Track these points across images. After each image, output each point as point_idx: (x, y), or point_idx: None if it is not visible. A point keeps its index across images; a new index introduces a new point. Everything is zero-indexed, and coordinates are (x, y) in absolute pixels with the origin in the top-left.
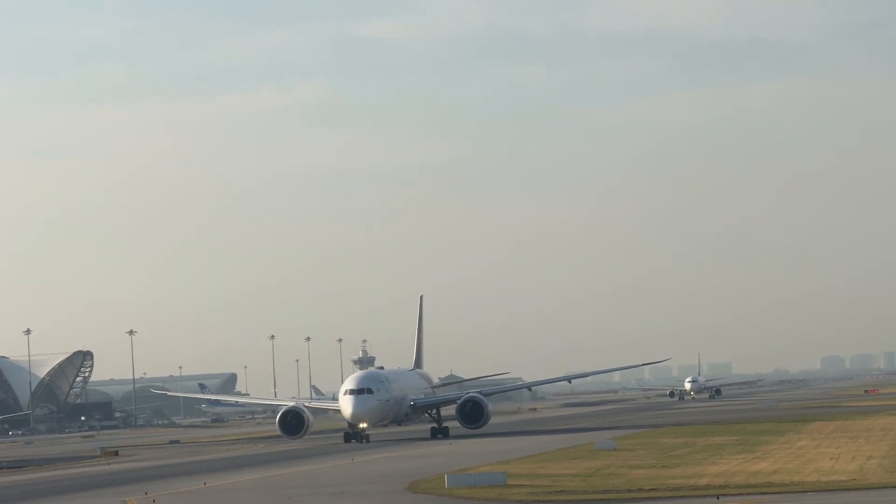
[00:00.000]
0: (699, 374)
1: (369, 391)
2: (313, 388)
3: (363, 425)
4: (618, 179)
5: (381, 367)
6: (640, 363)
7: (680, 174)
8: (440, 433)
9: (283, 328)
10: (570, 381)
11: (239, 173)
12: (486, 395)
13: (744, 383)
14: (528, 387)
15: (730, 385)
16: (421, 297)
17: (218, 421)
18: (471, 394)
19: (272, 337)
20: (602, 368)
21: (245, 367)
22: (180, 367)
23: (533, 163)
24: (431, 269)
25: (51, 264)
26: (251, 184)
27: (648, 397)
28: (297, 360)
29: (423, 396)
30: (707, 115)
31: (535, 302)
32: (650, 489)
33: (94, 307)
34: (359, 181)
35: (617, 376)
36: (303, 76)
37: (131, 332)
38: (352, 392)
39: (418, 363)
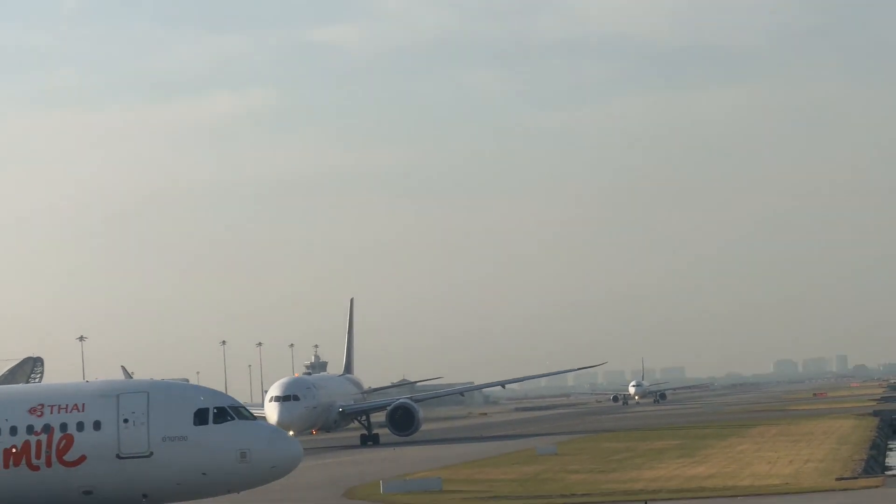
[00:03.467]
0: (643, 378)
1: (295, 398)
2: (266, 393)
3: (290, 433)
4: (569, 185)
5: (309, 373)
6: (576, 368)
7: (633, 179)
8: (370, 440)
9: (235, 334)
10: (503, 386)
11: (191, 178)
12: (417, 401)
13: (691, 387)
14: (461, 392)
15: (678, 389)
16: (351, 301)
17: None
18: (401, 400)
19: (223, 342)
20: (553, 372)
21: (198, 372)
22: (132, 373)
23: (482, 168)
24: (382, 274)
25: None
26: (203, 189)
27: (599, 401)
28: (250, 366)
29: (352, 403)
30: (659, 120)
31: (492, 307)
32: (583, 494)
33: (43, 313)
34: (310, 186)
35: (570, 380)
36: (255, 82)
37: (81, 338)
38: (277, 399)
39: (348, 368)
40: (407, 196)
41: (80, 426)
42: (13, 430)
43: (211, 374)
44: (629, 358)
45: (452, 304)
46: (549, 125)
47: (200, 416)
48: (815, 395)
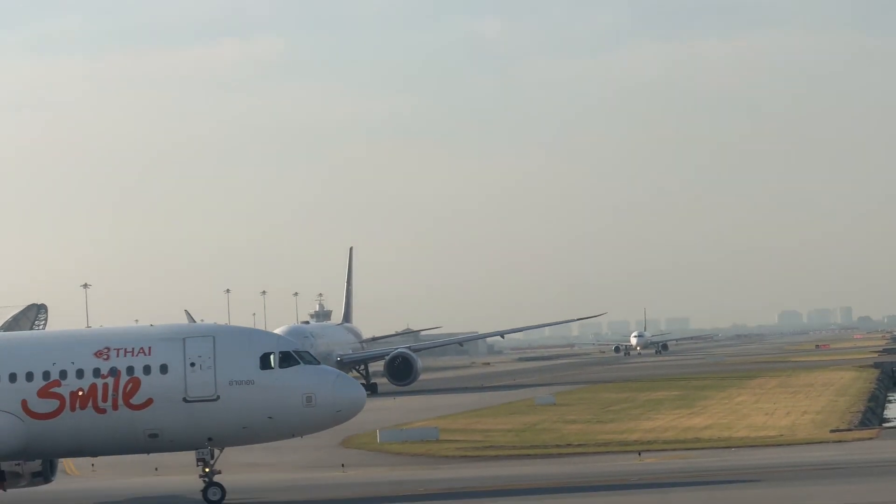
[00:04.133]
0: (645, 329)
1: None
2: None
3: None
4: (575, 134)
5: (307, 322)
6: (575, 318)
7: (641, 127)
8: (368, 390)
9: (239, 282)
10: (502, 336)
11: (195, 126)
12: (416, 350)
13: (693, 338)
14: (459, 342)
15: (681, 340)
16: (350, 250)
17: None
18: (399, 349)
19: (227, 291)
20: (551, 323)
21: (202, 320)
22: (136, 320)
23: (487, 117)
24: (386, 223)
25: (4, 216)
26: (207, 137)
27: (603, 352)
28: (254, 314)
29: (350, 352)
30: (663, 69)
31: (498, 257)
32: (578, 444)
33: (48, 260)
34: (315, 134)
35: (575, 330)
36: (262, 30)
37: (85, 286)
38: None
39: (347, 317)
40: (413, 144)
41: (147, 370)
42: (79, 374)
43: (215, 322)
44: (634, 308)
45: (457, 254)
46: (556, 74)
47: (266, 360)
48: (817, 346)
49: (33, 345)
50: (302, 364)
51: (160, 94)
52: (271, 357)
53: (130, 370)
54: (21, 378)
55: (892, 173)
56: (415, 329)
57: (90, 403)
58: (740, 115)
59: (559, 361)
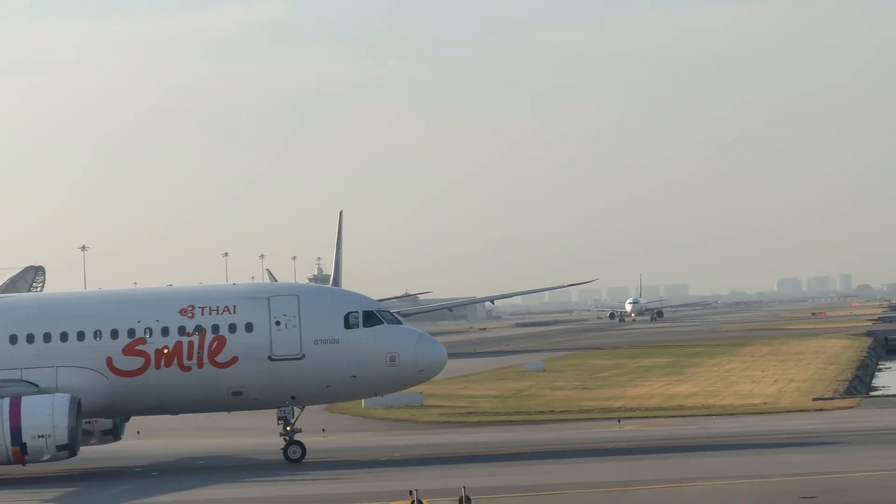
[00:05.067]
0: (640, 296)
1: None
2: None
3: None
4: (572, 101)
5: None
6: (566, 284)
7: (637, 95)
8: None
9: (237, 245)
10: (492, 301)
11: (196, 90)
12: (404, 315)
13: (690, 305)
14: (449, 307)
15: (679, 307)
16: (340, 213)
17: None
18: None
19: (226, 254)
20: (543, 289)
21: (200, 282)
22: (135, 282)
23: (486, 82)
24: (387, 188)
25: (3, 179)
26: (207, 101)
27: (600, 318)
28: (252, 277)
29: None
30: (666, 36)
31: (501, 223)
32: (561, 411)
33: (46, 223)
34: (315, 98)
35: (574, 296)
36: None
37: (83, 248)
38: None
39: (336, 282)
40: (413, 108)
41: (233, 328)
42: (165, 331)
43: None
44: (634, 275)
45: (458, 220)
46: (555, 41)
47: (350, 320)
48: (813, 314)
49: (117, 302)
50: (385, 324)
51: (160, 58)
52: (356, 316)
53: (216, 328)
54: (106, 335)
55: (893, 143)
56: (412, 293)
57: (175, 361)
58: (742, 83)
59: (556, 327)
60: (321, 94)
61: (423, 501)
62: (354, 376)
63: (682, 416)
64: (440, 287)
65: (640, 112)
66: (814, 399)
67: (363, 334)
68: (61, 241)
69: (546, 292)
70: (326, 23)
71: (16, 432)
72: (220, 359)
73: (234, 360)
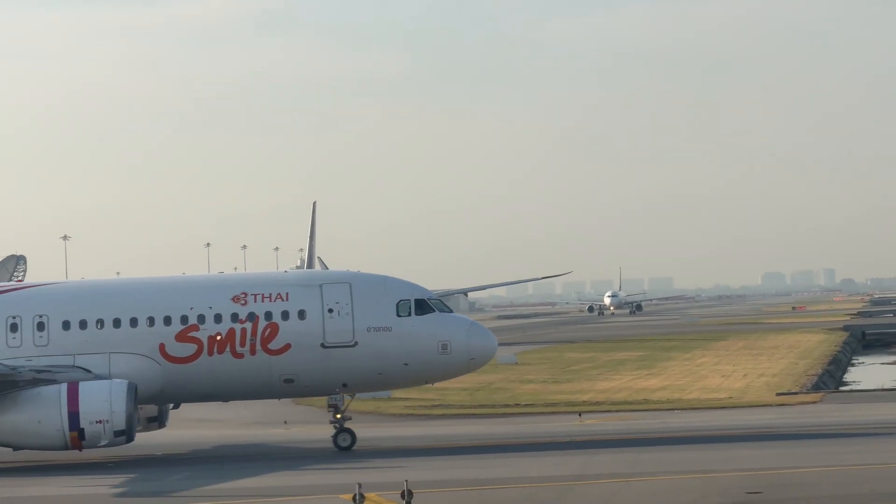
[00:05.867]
0: (620, 289)
1: None
2: None
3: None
4: (557, 94)
5: None
6: (539, 277)
7: (624, 89)
8: None
9: (220, 236)
10: (466, 294)
11: (180, 80)
12: None
13: (671, 298)
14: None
15: (662, 300)
16: (314, 205)
17: None
18: None
19: (208, 245)
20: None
21: (183, 272)
22: (118, 272)
23: (471, 74)
24: (370, 180)
25: None
26: (191, 91)
27: (582, 311)
28: (235, 268)
29: None
30: (657, 30)
31: (486, 217)
32: (526, 404)
33: (27, 212)
34: (301, 89)
35: (559, 288)
36: None
37: (65, 237)
38: None
39: None
40: (402, 101)
41: (285, 315)
42: (217, 318)
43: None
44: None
45: (445, 214)
46: (539, 35)
47: (402, 308)
48: (794, 308)
49: (170, 289)
50: (437, 312)
51: (145, 47)
52: (408, 304)
53: (268, 315)
54: (159, 322)
55: (878, 137)
56: None
57: (228, 348)
58: (730, 73)
59: (537, 320)
60: (307, 85)
61: (366, 495)
62: (406, 364)
63: (646, 411)
64: (425, 280)
65: (629, 107)
66: (777, 394)
67: (415, 322)
68: (43, 230)
69: (530, 285)
70: (315, 13)
71: (73, 417)
72: (272, 346)
73: (287, 347)
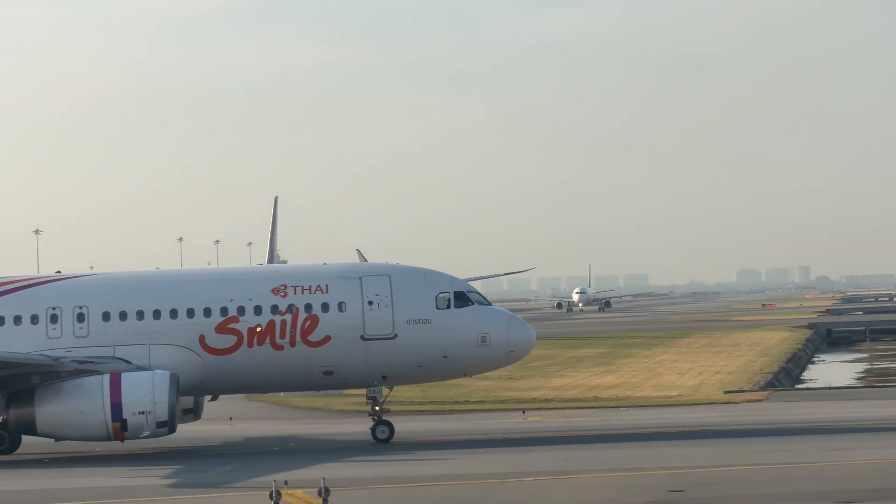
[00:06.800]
0: (589, 285)
1: None
2: None
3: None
4: (531, 83)
5: None
6: (504, 273)
7: (599, 79)
8: None
9: (192, 231)
10: None
11: (155, 73)
12: None
13: (642, 294)
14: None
15: (637, 296)
16: (276, 199)
17: None
18: None
19: (181, 239)
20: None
21: (157, 266)
22: (91, 266)
23: (446, 65)
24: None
25: None
26: (168, 84)
27: (552, 307)
28: (209, 263)
29: None
30: (627, 23)
31: (460, 211)
32: (476, 401)
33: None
34: (281, 83)
35: (534, 284)
36: None
37: (37, 231)
38: None
39: None
40: (373, 94)
41: (325, 307)
42: (257, 310)
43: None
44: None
45: (418, 207)
46: (522, 30)
47: (441, 300)
48: (763, 305)
49: (210, 281)
50: (476, 304)
51: (117, 40)
52: (446, 297)
53: (308, 307)
54: (199, 313)
55: (854, 134)
56: None
57: (267, 340)
58: (703, 71)
59: None
60: (280, 79)
61: (282, 492)
62: (445, 357)
63: (591, 408)
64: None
65: (609, 102)
66: (724, 392)
67: (455, 315)
68: (14, 224)
69: (505, 280)
70: (288, 6)
71: (116, 408)
72: (312, 338)
73: (327, 339)
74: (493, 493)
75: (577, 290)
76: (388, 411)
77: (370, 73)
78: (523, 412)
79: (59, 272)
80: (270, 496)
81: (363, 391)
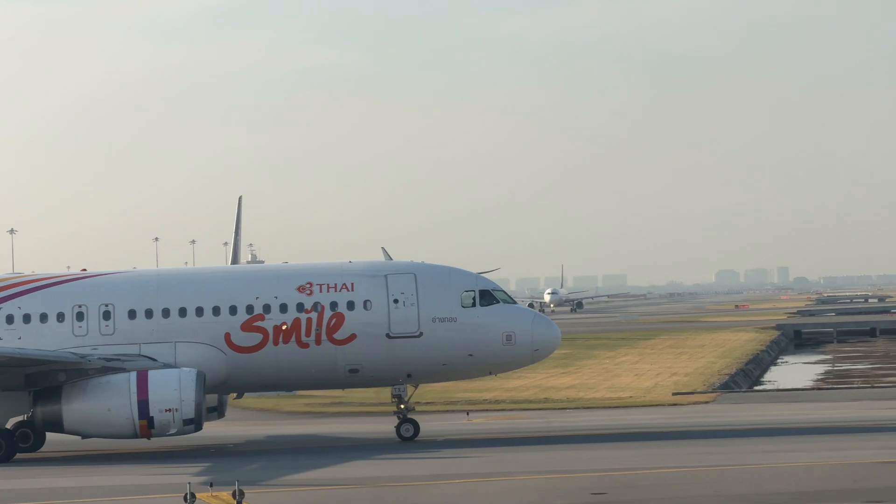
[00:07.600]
0: (562, 286)
1: None
2: None
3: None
4: (513, 91)
5: None
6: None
7: (575, 84)
8: None
9: (168, 230)
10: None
11: (132, 74)
12: None
13: (617, 295)
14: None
15: (612, 296)
16: (239, 199)
17: None
18: None
19: (156, 239)
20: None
21: (134, 266)
22: (68, 266)
23: (428, 71)
24: (321, 176)
25: None
26: (144, 85)
27: (532, 307)
28: (186, 262)
29: None
30: (604, 25)
31: (441, 209)
32: (426, 403)
33: None
34: (261, 84)
35: (513, 285)
36: None
37: (12, 231)
38: None
39: None
40: (352, 96)
41: (351, 305)
42: (283, 308)
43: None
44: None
45: (401, 206)
46: (499, 31)
47: (467, 298)
48: (736, 306)
49: (236, 279)
50: (501, 303)
51: (98, 42)
52: (472, 295)
53: (334, 305)
54: (224, 311)
55: (835, 136)
56: None
57: (293, 338)
58: (683, 74)
59: None
60: (260, 79)
61: (197, 495)
62: (471, 355)
63: (538, 410)
64: None
65: (587, 103)
66: (673, 394)
67: (480, 313)
68: None
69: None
70: (267, 7)
71: (143, 406)
72: (338, 336)
73: (353, 337)
74: (417, 495)
75: (548, 290)
76: (414, 409)
77: (352, 75)
78: (467, 414)
79: (84, 270)
80: (185, 498)
81: (317, 393)
